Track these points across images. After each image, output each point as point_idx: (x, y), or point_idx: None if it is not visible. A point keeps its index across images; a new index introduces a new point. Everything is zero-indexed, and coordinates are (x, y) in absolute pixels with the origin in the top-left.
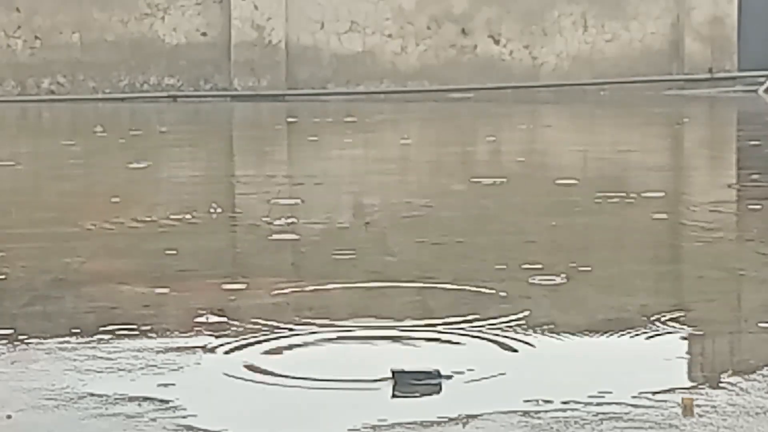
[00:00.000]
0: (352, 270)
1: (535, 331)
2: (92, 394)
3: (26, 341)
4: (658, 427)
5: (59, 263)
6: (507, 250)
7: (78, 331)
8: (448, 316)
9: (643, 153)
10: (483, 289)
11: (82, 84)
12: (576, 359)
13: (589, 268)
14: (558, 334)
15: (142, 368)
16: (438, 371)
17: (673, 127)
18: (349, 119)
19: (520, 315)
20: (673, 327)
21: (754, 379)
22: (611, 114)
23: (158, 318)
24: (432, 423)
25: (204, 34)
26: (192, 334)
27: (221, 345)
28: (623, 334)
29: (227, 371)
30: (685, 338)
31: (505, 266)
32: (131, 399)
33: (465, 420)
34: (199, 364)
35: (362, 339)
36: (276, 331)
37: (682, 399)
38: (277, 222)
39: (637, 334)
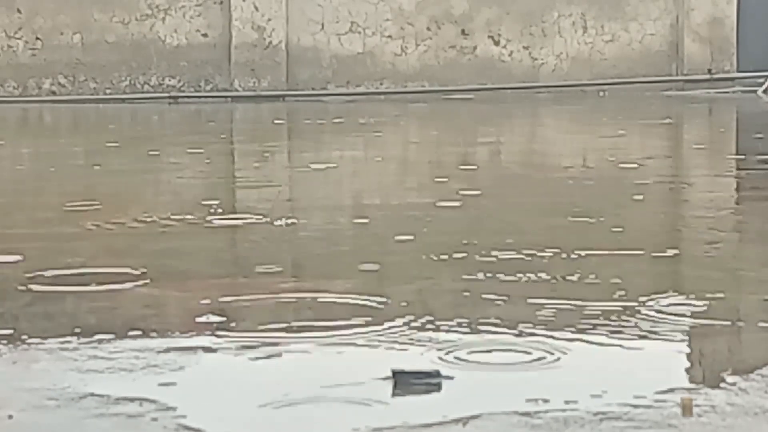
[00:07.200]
0: (352, 270)
1: (534, 331)
2: (93, 394)
3: (27, 341)
4: (658, 427)
5: (60, 263)
6: (507, 250)
7: (79, 331)
8: (447, 316)
9: (642, 153)
10: (483, 290)
11: (83, 85)
12: (576, 359)
13: (588, 268)
14: (557, 333)
15: (143, 368)
16: (438, 371)
17: (672, 128)
18: (347, 120)
19: (519, 315)
20: (673, 327)
21: (753, 379)
22: (610, 114)
23: (159, 318)
24: (432, 423)
25: (204, 35)
26: (192, 334)
27: (222, 345)
28: (623, 334)
29: (228, 371)
30: (684, 338)
31: (504, 266)
32: (132, 399)
33: (465, 420)
34: (199, 364)
35: (362, 339)
36: (277, 331)
37: (682, 399)
38: (278, 222)
39: (637, 334)
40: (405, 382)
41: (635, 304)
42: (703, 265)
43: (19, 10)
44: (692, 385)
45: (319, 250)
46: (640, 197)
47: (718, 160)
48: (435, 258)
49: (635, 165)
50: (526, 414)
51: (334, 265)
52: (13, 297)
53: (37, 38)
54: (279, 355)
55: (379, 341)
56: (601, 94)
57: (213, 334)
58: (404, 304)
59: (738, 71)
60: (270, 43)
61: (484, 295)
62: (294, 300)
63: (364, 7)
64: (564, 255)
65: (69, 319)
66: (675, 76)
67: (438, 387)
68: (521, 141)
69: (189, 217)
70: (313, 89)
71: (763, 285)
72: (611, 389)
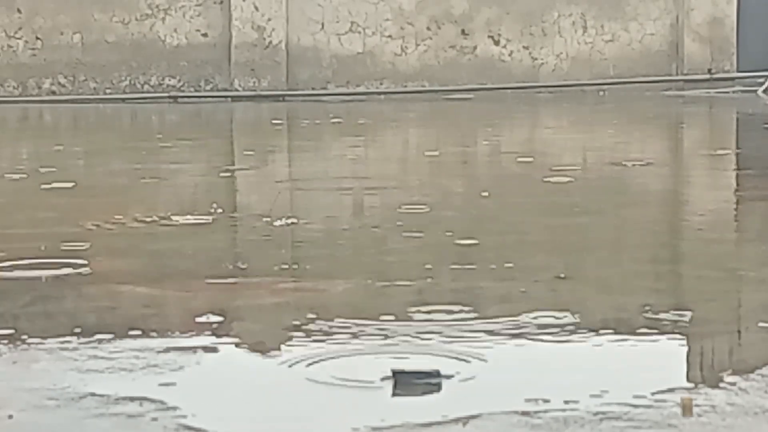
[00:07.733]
0: (352, 270)
1: (534, 331)
2: (93, 394)
3: (27, 341)
4: (658, 427)
5: (60, 263)
6: (507, 250)
7: (79, 331)
8: (447, 316)
9: (642, 153)
10: (482, 289)
11: (83, 85)
12: (576, 359)
13: (588, 268)
14: (557, 333)
15: (143, 368)
16: (438, 371)
17: (671, 127)
18: (347, 119)
19: (519, 315)
20: (673, 327)
21: (753, 379)
22: (610, 114)
23: (159, 318)
24: (432, 423)
25: (204, 35)
26: (192, 334)
27: (222, 345)
28: (623, 334)
29: (228, 371)
30: (684, 338)
31: (504, 266)
32: (132, 399)
33: (465, 420)
34: (199, 364)
35: (362, 338)
36: (276, 330)
37: (682, 399)
38: (278, 222)
39: (637, 334)
40: (405, 382)
41: (635, 303)
42: (703, 265)
43: (19, 10)
44: (692, 385)
45: (319, 250)
46: (640, 197)
47: (717, 159)
48: (435, 258)
49: (635, 165)
50: (526, 414)
51: (334, 265)
52: (14, 297)
53: (37, 38)
54: (278, 354)
55: (380, 341)
56: (601, 93)
57: (213, 334)
58: (404, 303)
59: (738, 71)
60: (270, 42)
61: (484, 295)
62: (294, 300)
63: (364, 7)
64: (564, 255)
65: (69, 318)
66: (675, 76)
67: (438, 387)
68: (521, 141)
69: (189, 217)
70: (313, 89)
71: (763, 285)
72: (611, 389)
